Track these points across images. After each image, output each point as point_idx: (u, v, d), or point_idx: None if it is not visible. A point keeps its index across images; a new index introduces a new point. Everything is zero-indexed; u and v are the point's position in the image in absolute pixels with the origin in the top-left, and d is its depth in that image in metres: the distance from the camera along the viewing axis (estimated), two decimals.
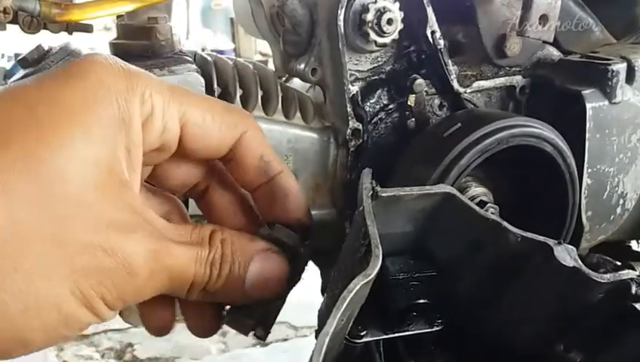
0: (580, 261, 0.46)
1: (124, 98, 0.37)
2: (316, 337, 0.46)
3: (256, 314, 0.46)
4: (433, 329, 0.50)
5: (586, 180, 0.83)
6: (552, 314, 0.48)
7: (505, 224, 0.47)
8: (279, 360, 1.89)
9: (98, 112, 0.35)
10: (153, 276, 0.37)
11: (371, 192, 0.44)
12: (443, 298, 0.51)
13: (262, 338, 0.47)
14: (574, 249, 0.46)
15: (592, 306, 0.46)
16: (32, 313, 0.33)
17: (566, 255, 0.46)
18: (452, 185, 0.71)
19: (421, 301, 0.50)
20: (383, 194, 0.45)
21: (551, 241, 0.46)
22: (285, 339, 1.95)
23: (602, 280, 0.45)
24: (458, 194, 0.48)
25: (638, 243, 1.03)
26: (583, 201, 0.84)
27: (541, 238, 0.47)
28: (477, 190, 0.78)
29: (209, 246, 0.40)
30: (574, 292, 0.46)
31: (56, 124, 0.34)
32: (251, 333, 0.47)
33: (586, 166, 0.82)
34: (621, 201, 0.89)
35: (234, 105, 0.46)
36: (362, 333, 0.48)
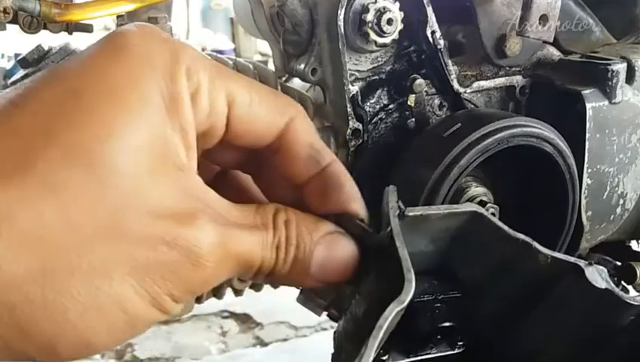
0: (612, 282, 0.44)
1: (170, 73, 0.34)
2: (332, 360, 0.45)
3: (330, 295, 0.44)
4: (455, 352, 0.49)
5: (586, 180, 0.83)
6: (580, 336, 0.47)
7: (535, 244, 0.45)
8: (279, 360, 1.89)
9: (145, 92, 0.32)
10: (220, 265, 0.34)
11: (398, 212, 0.42)
12: (467, 320, 0.50)
13: (335, 318, 0.45)
14: (605, 270, 0.45)
15: (622, 328, 0.45)
16: (94, 315, 0.31)
17: (597, 276, 0.44)
18: (452, 185, 0.71)
19: (446, 324, 0.49)
20: (410, 214, 0.43)
21: (582, 262, 0.45)
22: (285, 339, 1.94)
23: (635, 303, 0.44)
24: (487, 213, 0.46)
25: (638, 243, 1.03)
26: (583, 201, 0.84)
27: (572, 259, 0.45)
28: (477, 190, 0.78)
29: (274, 229, 0.37)
30: (604, 315, 0.45)
31: (103, 110, 0.31)
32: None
33: (586, 166, 0.82)
34: (621, 201, 0.89)
35: (280, 92, 0.42)
36: (384, 357, 0.47)
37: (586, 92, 0.82)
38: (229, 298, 0.91)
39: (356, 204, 0.43)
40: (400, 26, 0.77)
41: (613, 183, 0.87)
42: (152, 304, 0.33)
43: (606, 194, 0.87)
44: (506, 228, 0.46)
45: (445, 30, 0.83)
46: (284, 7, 0.79)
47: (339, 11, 0.75)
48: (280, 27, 0.85)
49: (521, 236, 0.46)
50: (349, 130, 0.79)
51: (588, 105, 0.81)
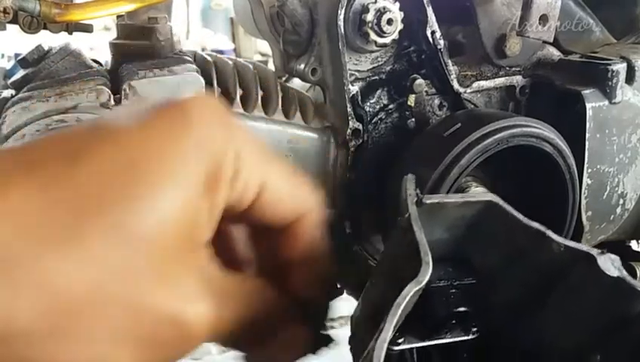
0: (624, 271, 0.44)
1: (218, 157, 0.34)
2: (350, 343, 0.46)
3: None
4: (469, 337, 0.49)
5: (586, 180, 0.83)
6: (592, 324, 0.47)
7: (549, 233, 0.46)
8: None
9: (191, 171, 0.33)
10: (205, 339, 0.35)
11: (416, 199, 0.44)
12: (481, 306, 0.50)
13: None
14: (618, 258, 0.45)
15: (634, 317, 0.45)
16: None
17: (610, 265, 0.44)
18: (452, 185, 0.71)
19: (460, 309, 0.49)
20: (428, 201, 0.44)
21: (594, 251, 0.45)
22: None
23: None
24: (501, 202, 0.47)
25: (638, 243, 1.03)
26: (583, 201, 0.84)
27: (585, 248, 0.45)
28: (477, 190, 0.78)
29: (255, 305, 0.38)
30: (617, 303, 0.45)
31: (151, 186, 0.31)
32: None
33: (586, 166, 0.82)
34: (621, 201, 0.89)
35: (305, 178, 0.43)
36: (400, 340, 0.48)
37: (586, 92, 0.82)
38: None
39: (324, 299, 0.45)
40: (400, 26, 0.77)
41: (613, 183, 0.87)
42: None
43: (606, 194, 0.87)
44: (520, 216, 0.47)
45: (445, 30, 0.83)
46: (284, 7, 0.79)
47: (339, 11, 0.75)
48: (280, 27, 0.85)
49: (536, 224, 0.47)
50: (349, 130, 0.79)
51: (588, 105, 0.81)
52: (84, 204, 0.30)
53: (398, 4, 0.76)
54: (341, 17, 0.75)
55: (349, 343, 0.47)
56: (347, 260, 0.87)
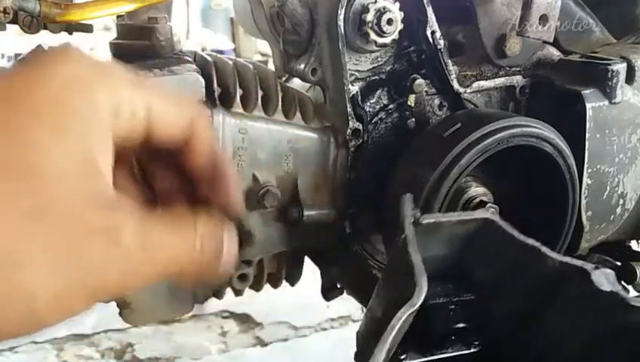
0: (617, 284, 0.46)
1: (94, 91, 0.38)
2: (355, 359, 0.47)
3: None
4: (471, 351, 0.51)
5: (585, 180, 0.83)
6: (588, 336, 0.48)
7: (544, 249, 0.47)
8: (279, 360, 1.89)
9: (71, 107, 0.36)
10: (143, 257, 0.37)
11: (413, 219, 0.45)
12: (481, 320, 0.51)
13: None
14: (612, 273, 0.46)
15: (630, 329, 0.46)
16: None
17: (603, 279, 0.45)
18: (452, 185, 0.71)
19: (460, 325, 0.51)
20: (424, 221, 0.46)
21: (588, 266, 0.46)
22: (285, 339, 1.94)
23: (637, 304, 0.45)
24: (498, 219, 0.48)
25: (638, 243, 1.03)
26: (583, 201, 0.84)
27: (579, 263, 0.47)
28: (477, 190, 0.78)
29: (193, 224, 0.41)
30: (611, 316, 0.46)
31: (33, 129, 0.35)
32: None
33: (586, 166, 0.82)
34: (621, 201, 0.89)
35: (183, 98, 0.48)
36: (402, 357, 0.49)
37: (586, 92, 0.82)
38: (229, 298, 0.91)
39: (236, 195, 0.48)
40: (400, 26, 0.77)
41: (613, 183, 0.87)
42: (60, 299, 0.34)
43: (606, 194, 0.87)
44: (515, 233, 0.48)
45: (445, 30, 0.83)
46: (284, 7, 0.79)
47: (339, 11, 0.75)
48: (280, 27, 0.85)
49: (531, 241, 0.48)
50: (349, 130, 0.79)
51: (588, 105, 0.81)
52: None
53: (398, 4, 0.76)
54: (341, 17, 0.75)
55: (355, 359, 0.47)
56: (347, 260, 0.87)
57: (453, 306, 0.52)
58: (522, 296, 0.50)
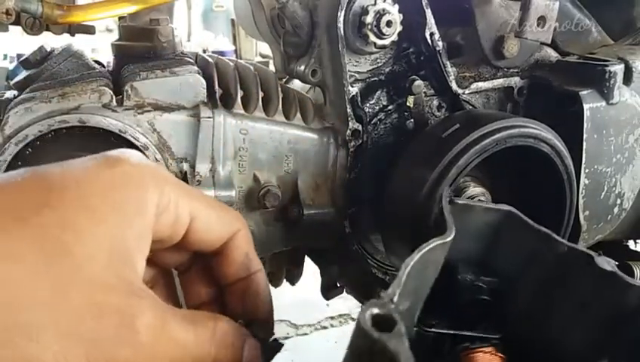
0: (617, 269, 0.51)
1: (142, 188, 0.40)
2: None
3: None
4: (495, 336, 0.56)
5: (583, 180, 0.84)
6: (596, 323, 0.52)
7: (554, 235, 0.54)
8: (280, 358, 1.89)
9: (115, 198, 0.38)
10: (155, 347, 0.37)
11: (449, 198, 0.55)
12: (502, 308, 0.57)
13: None
14: (611, 261, 0.52)
15: (633, 315, 0.50)
16: None
17: (605, 263, 0.51)
18: (451, 185, 0.72)
19: (485, 297, 0.57)
20: (458, 202, 0.56)
21: (593, 252, 0.52)
22: (286, 337, 1.94)
23: (637, 283, 0.50)
24: (515, 212, 0.56)
25: (635, 242, 1.03)
26: (581, 201, 0.84)
27: (584, 249, 0.53)
28: (475, 190, 0.78)
29: (211, 328, 0.42)
30: (614, 296, 0.50)
31: (73, 208, 0.37)
32: None
33: (583, 166, 0.83)
34: (618, 201, 0.89)
35: (228, 206, 0.51)
36: (433, 323, 0.55)
37: (583, 93, 0.82)
38: None
39: (267, 309, 0.49)
40: (399, 28, 0.77)
41: (610, 183, 0.87)
42: None
43: (603, 194, 0.87)
44: (531, 222, 0.56)
45: (444, 32, 0.84)
46: (285, 9, 0.79)
47: (339, 13, 0.76)
48: (280, 29, 0.86)
49: (544, 229, 0.55)
50: (348, 131, 0.80)
51: (585, 106, 0.82)
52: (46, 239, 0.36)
53: (397, 6, 0.76)
54: (341, 19, 0.76)
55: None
56: (347, 259, 0.88)
57: (480, 284, 0.58)
58: (537, 285, 0.56)
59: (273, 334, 0.49)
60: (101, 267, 0.36)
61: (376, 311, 0.35)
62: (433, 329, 0.55)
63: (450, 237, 0.47)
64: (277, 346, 0.49)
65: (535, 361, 0.55)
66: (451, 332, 0.56)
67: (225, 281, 0.49)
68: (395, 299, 0.38)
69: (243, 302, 0.48)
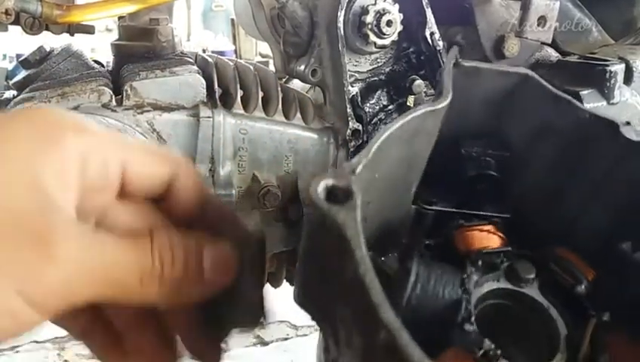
0: None
1: (62, 132, 0.38)
2: None
3: (240, 311, 0.46)
4: (502, 215, 0.50)
5: None
6: (621, 203, 0.47)
7: (576, 102, 0.49)
8: (280, 359, 1.89)
9: (36, 136, 0.37)
10: (80, 264, 0.36)
11: (454, 61, 0.48)
12: (512, 184, 0.52)
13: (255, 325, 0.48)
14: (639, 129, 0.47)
15: None
16: None
17: (632, 132, 0.46)
18: None
19: (492, 172, 0.52)
20: (465, 64, 0.49)
21: (618, 120, 0.47)
22: (286, 338, 1.95)
23: None
24: (534, 74, 0.50)
25: None
26: None
27: (609, 117, 0.47)
28: None
29: (151, 238, 0.40)
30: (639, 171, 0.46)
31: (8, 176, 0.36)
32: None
33: None
34: None
35: (165, 149, 0.49)
36: (433, 200, 0.51)
37: (584, 93, 0.82)
38: None
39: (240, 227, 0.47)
40: (399, 28, 0.77)
41: None
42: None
43: None
44: (551, 87, 0.50)
45: (444, 31, 0.84)
46: (285, 9, 0.79)
47: (339, 13, 0.76)
48: (280, 29, 0.86)
49: (564, 95, 0.50)
50: (348, 131, 0.80)
51: (586, 106, 0.82)
52: None
53: (397, 6, 0.76)
54: (341, 19, 0.76)
55: None
56: None
57: (487, 158, 0.53)
58: (554, 158, 0.51)
59: (250, 235, 0.47)
60: (16, 195, 0.35)
61: (331, 182, 0.32)
62: (434, 208, 0.51)
63: (442, 104, 0.42)
64: (258, 243, 0.47)
65: (547, 244, 0.49)
66: (453, 210, 0.51)
67: (185, 222, 0.46)
68: (358, 169, 0.34)
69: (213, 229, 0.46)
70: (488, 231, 0.47)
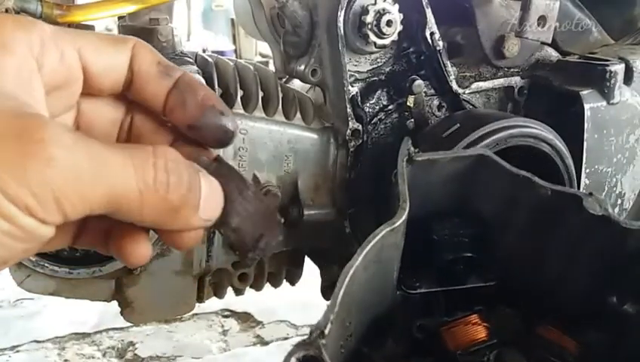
0: (610, 210, 0.47)
1: (10, 30, 0.38)
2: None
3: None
4: (487, 284, 0.52)
5: (584, 180, 0.83)
6: (596, 266, 0.49)
7: (536, 179, 0.50)
8: (280, 359, 1.89)
9: None
10: (79, 164, 0.33)
11: (407, 157, 0.49)
12: (491, 255, 0.53)
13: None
14: (605, 200, 0.48)
15: (632, 257, 0.47)
16: None
17: (596, 205, 0.47)
18: None
19: (467, 254, 0.53)
20: (418, 158, 0.50)
21: (581, 193, 0.48)
22: (286, 338, 1.95)
23: (633, 227, 0.46)
24: (490, 154, 0.51)
25: None
26: None
27: (571, 190, 0.49)
28: None
29: (153, 157, 0.37)
30: (611, 242, 0.47)
31: None
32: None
33: (584, 166, 0.83)
34: (619, 201, 0.89)
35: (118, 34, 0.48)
36: (416, 284, 0.52)
37: (584, 93, 0.82)
38: (229, 297, 0.92)
39: (212, 100, 0.45)
40: (399, 28, 0.77)
41: (611, 183, 0.87)
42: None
43: (604, 194, 0.87)
44: (508, 166, 0.51)
45: (444, 31, 0.84)
46: (285, 9, 0.79)
47: (339, 13, 0.76)
48: (280, 28, 0.86)
49: (522, 172, 0.51)
50: (348, 131, 0.80)
51: (586, 106, 0.82)
52: None
53: (397, 6, 0.76)
54: (341, 19, 0.76)
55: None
56: (347, 259, 0.87)
57: (460, 238, 0.54)
58: (524, 229, 0.52)
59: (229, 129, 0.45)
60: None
61: (301, 353, 0.35)
62: (418, 291, 0.52)
63: (400, 220, 0.42)
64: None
65: (537, 307, 0.52)
66: (438, 290, 0.52)
67: (158, 105, 0.44)
68: (327, 329, 0.36)
69: (186, 108, 0.43)
70: (472, 323, 0.50)
